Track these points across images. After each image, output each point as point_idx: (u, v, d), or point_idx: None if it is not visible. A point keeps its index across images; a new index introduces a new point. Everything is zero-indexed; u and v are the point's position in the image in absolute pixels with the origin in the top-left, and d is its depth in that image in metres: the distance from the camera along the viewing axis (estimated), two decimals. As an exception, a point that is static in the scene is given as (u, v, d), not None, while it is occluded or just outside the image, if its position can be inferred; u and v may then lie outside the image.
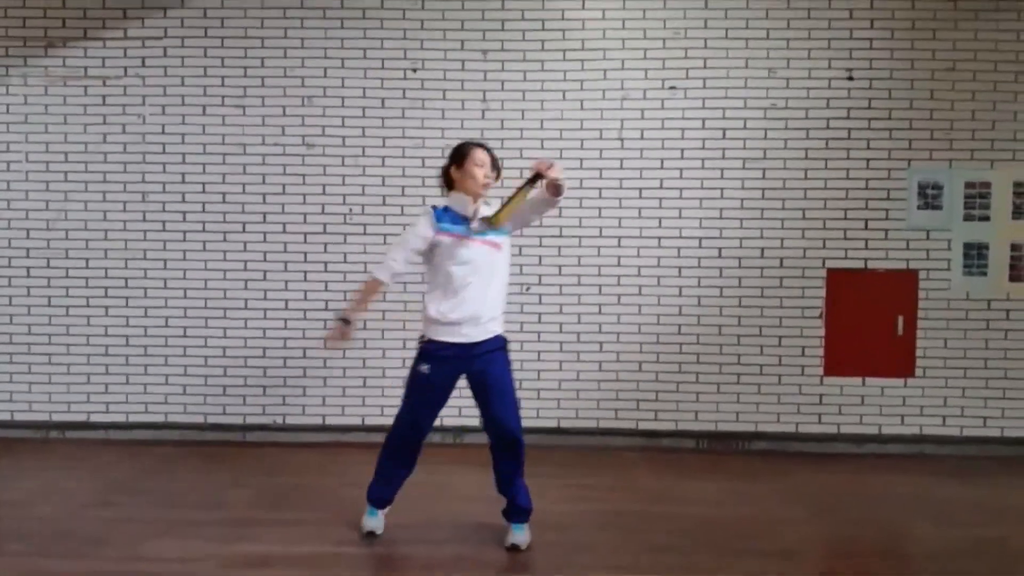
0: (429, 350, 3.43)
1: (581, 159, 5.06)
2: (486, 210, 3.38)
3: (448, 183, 3.48)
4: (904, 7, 4.96)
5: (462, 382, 3.50)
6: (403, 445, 3.59)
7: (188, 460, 4.78)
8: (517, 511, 3.53)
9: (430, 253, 3.40)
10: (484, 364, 3.41)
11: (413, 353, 3.53)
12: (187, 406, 5.21)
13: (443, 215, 3.39)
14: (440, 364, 3.41)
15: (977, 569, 3.36)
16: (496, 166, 3.45)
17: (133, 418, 5.22)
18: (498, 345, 3.46)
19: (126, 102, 5.14)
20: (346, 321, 3.45)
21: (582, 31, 5.03)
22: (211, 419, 5.21)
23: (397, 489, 3.67)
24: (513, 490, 3.53)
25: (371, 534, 3.61)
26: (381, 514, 3.67)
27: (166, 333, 5.20)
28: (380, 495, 3.66)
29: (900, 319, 5.05)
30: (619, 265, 5.10)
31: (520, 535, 3.50)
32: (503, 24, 5.04)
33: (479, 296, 3.35)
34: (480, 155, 3.38)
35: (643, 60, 5.02)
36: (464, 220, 3.37)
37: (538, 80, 5.05)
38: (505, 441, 3.47)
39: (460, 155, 3.41)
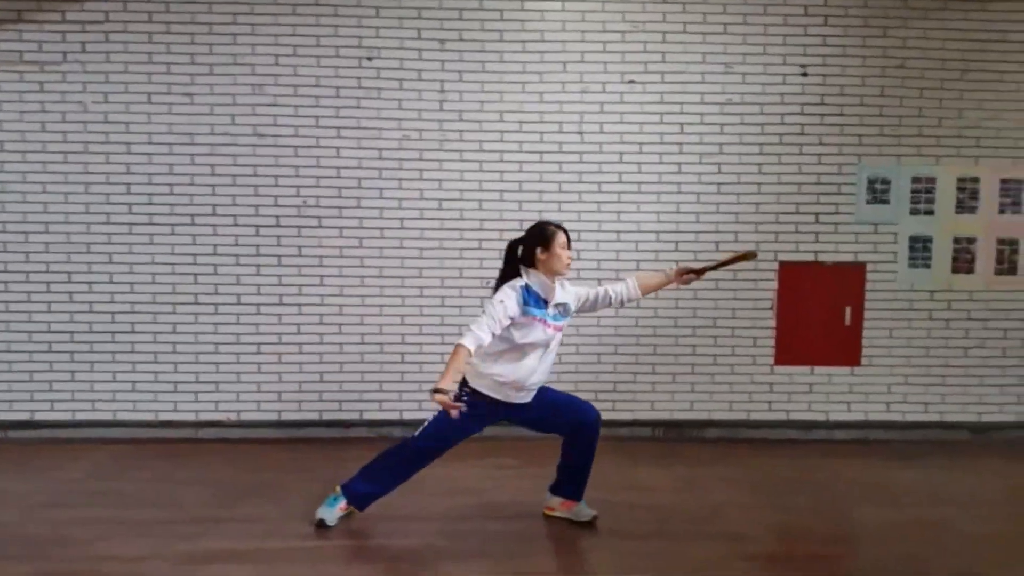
0: (472, 400, 3.49)
1: (541, 152, 5.04)
2: (560, 293, 3.49)
3: (530, 261, 3.48)
4: (857, 4, 5.04)
5: None
6: (416, 460, 3.63)
7: (139, 458, 4.67)
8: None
9: (508, 326, 3.43)
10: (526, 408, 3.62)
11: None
12: (136, 403, 5.08)
13: (528, 295, 3.42)
14: (478, 409, 3.49)
15: (922, 551, 3.50)
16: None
17: (80, 416, 5.07)
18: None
19: (65, 89, 4.91)
20: (442, 391, 3.26)
21: (541, 22, 4.98)
22: (162, 416, 5.09)
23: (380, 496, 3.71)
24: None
25: (322, 523, 3.62)
26: (339, 508, 3.67)
27: (113, 329, 5.04)
28: (367, 494, 3.70)
29: (848, 310, 5.20)
30: (578, 259, 5.09)
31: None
32: (461, 13, 4.96)
33: (535, 366, 3.49)
34: (563, 238, 3.47)
35: (602, 53, 5.01)
36: (545, 303, 3.45)
37: (497, 71, 4.99)
38: (590, 432, 3.68)
39: (546, 238, 3.45)
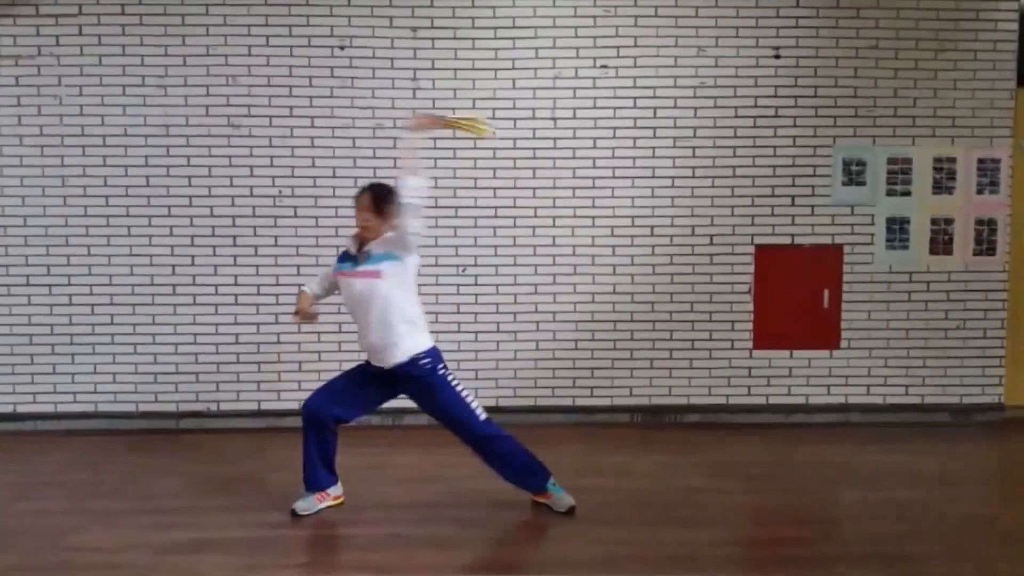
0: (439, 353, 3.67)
1: (514, 139, 5.04)
2: (374, 245, 3.56)
3: None
4: (829, -14, 5.03)
5: None
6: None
7: (119, 449, 4.70)
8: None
9: None
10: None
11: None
12: (117, 395, 5.11)
13: (340, 257, 3.73)
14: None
15: (901, 531, 3.50)
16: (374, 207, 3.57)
17: (61, 408, 5.10)
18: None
19: (41, 83, 4.94)
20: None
21: (512, 8, 4.98)
22: (142, 407, 5.12)
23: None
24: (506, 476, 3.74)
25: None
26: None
27: (92, 321, 5.07)
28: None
29: (826, 292, 5.19)
30: (554, 245, 5.12)
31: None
32: (432, 0, 4.96)
33: (363, 325, 3.64)
34: (357, 203, 3.61)
35: (574, 39, 5.01)
36: (352, 258, 3.62)
37: (469, 59, 5.00)
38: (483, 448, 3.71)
39: None
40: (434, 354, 3.60)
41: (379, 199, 3.55)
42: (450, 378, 3.62)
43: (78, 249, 5.03)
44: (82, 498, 3.92)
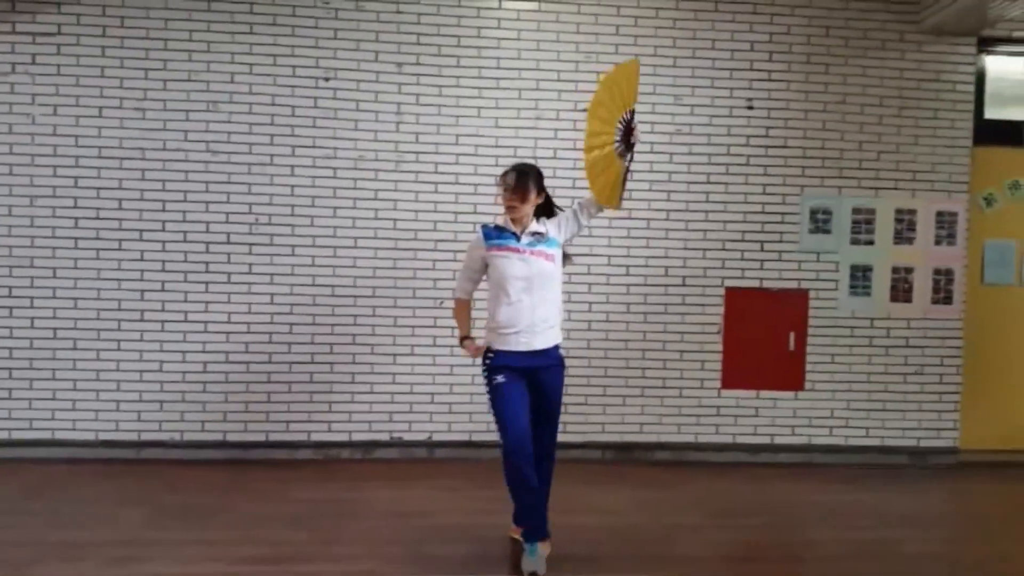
0: (493, 361, 3.53)
1: (496, 176, 5.07)
2: (535, 225, 3.56)
3: None
4: (800, 42, 5.25)
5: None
6: (516, 456, 3.45)
7: (78, 479, 4.55)
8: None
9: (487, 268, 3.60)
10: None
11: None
12: (76, 422, 4.95)
13: (489, 231, 3.60)
14: (500, 363, 3.52)
15: (870, 570, 3.59)
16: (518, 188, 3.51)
17: (16, 435, 4.91)
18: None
19: (13, 100, 4.84)
20: (462, 340, 3.64)
21: (497, 49, 5.08)
22: (103, 436, 4.96)
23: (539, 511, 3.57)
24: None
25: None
26: (541, 547, 3.49)
27: (54, 345, 4.92)
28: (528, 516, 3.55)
29: (792, 336, 5.34)
30: (530, 281, 5.16)
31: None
32: (418, 38, 5.03)
33: (523, 303, 3.50)
34: (504, 181, 3.53)
35: (556, 82, 5.12)
36: (514, 235, 3.54)
37: (453, 96, 5.07)
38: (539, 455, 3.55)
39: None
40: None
41: (539, 183, 3.55)
42: None
43: (43, 271, 4.90)
44: (41, 529, 3.78)
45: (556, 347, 3.59)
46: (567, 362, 3.64)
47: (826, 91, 5.27)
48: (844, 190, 5.32)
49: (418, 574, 3.40)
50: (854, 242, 5.35)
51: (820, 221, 5.32)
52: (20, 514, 3.97)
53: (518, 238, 3.49)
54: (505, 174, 3.53)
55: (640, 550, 3.73)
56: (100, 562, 3.42)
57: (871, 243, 5.35)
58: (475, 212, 5.07)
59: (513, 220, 3.51)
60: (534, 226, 3.53)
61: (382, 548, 3.66)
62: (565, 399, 5.05)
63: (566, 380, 3.72)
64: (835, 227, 5.32)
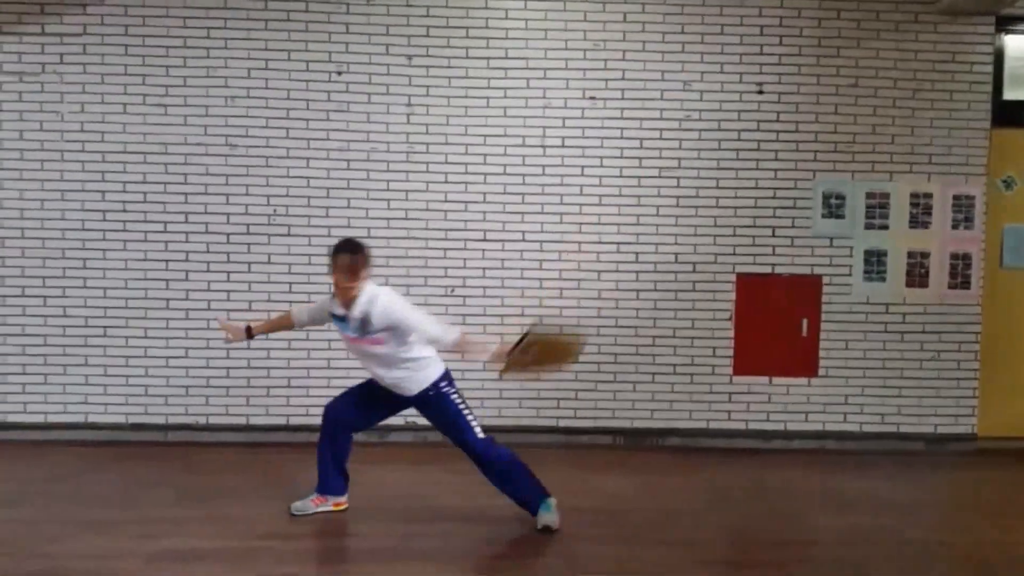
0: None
1: (504, 165, 5.18)
2: (358, 307, 3.64)
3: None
4: (811, 26, 5.20)
5: None
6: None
7: (109, 460, 4.77)
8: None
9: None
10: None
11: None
12: (108, 406, 5.18)
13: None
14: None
15: (873, 554, 3.60)
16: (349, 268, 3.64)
17: (52, 419, 5.17)
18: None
19: (44, 99, 5.06)
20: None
21: (505, 40, 5.14)
22: (132, 419, 5.19)
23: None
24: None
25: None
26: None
27: (85, 333, 5.16)
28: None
29: (805, 322, 5.32)
30: (541, 268, 5.24)
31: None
32: (428, 30, 5.12)
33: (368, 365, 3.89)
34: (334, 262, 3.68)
35: (564, 70, 5.16)
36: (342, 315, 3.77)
37: (462, 87, 5.15)
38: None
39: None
40: (440, 379, 3.78)
41: (356, 263, 3.64)
42: (453, 396, 3.79)
43: (74, 262, 5.13)
44: (74, 507, 3.99)
45: (422, 391, 3.76)
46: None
47: (838, 74, 5.22)
48: (857, 174, 5.27)
49: (434, 551, 3.53)
50: (868, 227, 5.29)
51: (833, 206, 5.28)
52: (53, 494, 4.19)
53: (347, 322, 3.64)
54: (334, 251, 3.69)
55: (642, 534, 3.78)
56: (130, 537, 3.60)
57: (885, 227, 5.30)
58: (484, 202, 5.17)
59: (341, 294, 3.66)
60: (362, 305, 3.60)
61: (392, 526, 3.80)
62: (575, 384, 5.25)
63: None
64: (848, 212, 5.28)
